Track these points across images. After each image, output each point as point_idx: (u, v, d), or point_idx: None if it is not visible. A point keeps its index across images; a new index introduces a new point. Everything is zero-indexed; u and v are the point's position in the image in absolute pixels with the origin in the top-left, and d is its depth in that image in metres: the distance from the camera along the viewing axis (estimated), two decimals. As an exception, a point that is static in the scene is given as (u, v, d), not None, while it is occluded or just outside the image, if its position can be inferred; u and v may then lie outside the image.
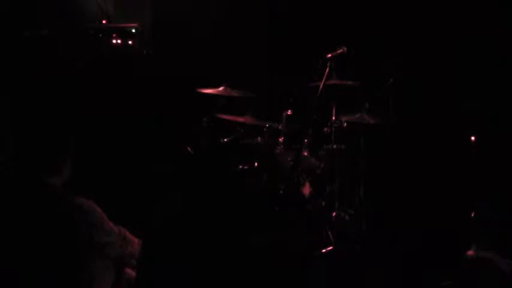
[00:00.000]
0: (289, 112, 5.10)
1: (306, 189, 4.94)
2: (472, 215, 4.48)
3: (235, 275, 4.12)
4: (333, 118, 5.11)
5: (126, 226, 2.97)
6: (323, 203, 5.00)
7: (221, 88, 5.10)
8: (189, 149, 5.29)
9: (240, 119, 5.05)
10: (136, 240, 2.98)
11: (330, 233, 4.69)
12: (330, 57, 4.52)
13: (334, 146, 5.07)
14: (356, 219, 4.99)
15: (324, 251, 4.52)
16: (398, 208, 5.09)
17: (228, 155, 5.23)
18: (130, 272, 2.99)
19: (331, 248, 4.55)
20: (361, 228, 4.96)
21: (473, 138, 4.98)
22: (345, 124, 5.14)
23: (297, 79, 5.23)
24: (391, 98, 5.24)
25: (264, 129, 5.13)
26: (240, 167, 5.04)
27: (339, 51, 4.51)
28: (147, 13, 5.87)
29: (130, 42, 5.53)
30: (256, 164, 5.00)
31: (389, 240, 4.70)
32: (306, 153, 5.08)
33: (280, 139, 5.08)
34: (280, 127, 5.10)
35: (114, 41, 5.50)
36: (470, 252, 3.92)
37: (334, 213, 4.95)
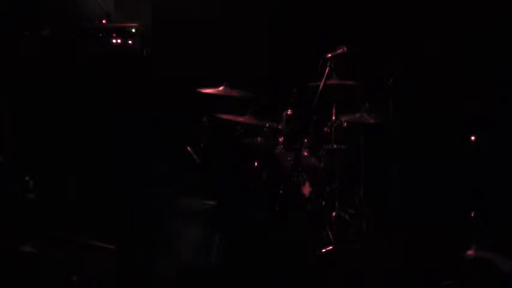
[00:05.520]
0: (289, 112, 5.10)
1: (306, 189, 4.94)
2: (472, 215, 4.48)
3: (236, 274, 4.12)
4: (333, 118, 5.11)
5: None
6: (323, 203, 5.00)
7: (221, 88, 5.10)
8: (189, 149, 5.29)
9: (240, 119, 5.05)
10: None
11: (330, 233, 4.69)
12: (330, 57, 4.52)
13: (334, 146, 5.07)
14: (356, 219, 4.99)
15: (324, 251, 4.52)
16: (398, 208, 5.10)
17: (228, 155, 5.23)
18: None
19: (331, 248, 4.55)
20: (361, 228, 4.96)
21: (473, 138, 4.98)
22: (345, 124, 5.14)
23: (297, 79, 5.22)
24: (391, 98, 5.24)
25: (264, 129, 5.13)
26: (240, 167, 5.05)
27: (339, 51, 4.51)
28: (147, 13, 5.87)
29: (130, 42, 5.53)
30: (256, 164, 5.00)
31: (389, 240, 4.70)
32: (306, 153, 5.08)
33: (280, 139, 5.07)
34: (280, 127, 5.10)
35: (114, 41, 5.51)
36: (470, 252, 3.93)
37: (334, 213, 4.95)
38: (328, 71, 4.46)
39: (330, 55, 4.52)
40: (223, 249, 4.20)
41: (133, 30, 5.54)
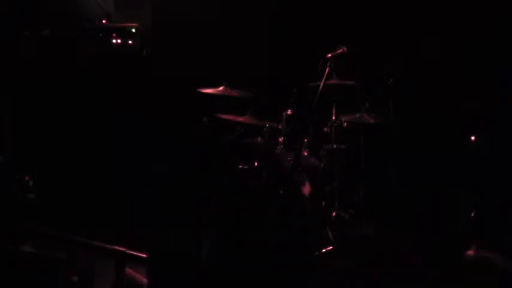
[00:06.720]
0: (289, 112, 5.10)
1: (306, 189, 4.94)
2: (472, 215, 4.49)
3: (235, 274, 4.12)
4: (333, 118, 5.11)
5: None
6: (323, 203, 5.00)
7: (221, 88, 5.10)
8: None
9: (240, 119, 5.04)
10: None
11: (330, 233, 4.69)
12: (330, 57, 4.52)
13: (334, 146, 5.07)
14: (356, 219, 4.99)
15: (324, 251, 4.52)
16: (398, 208, 5.10)
17: (228, 155, 5.23)
18: (131, 272, 2.99)
19: (331, 248, 4.55)
20: (361, 228, 4.96)
21: (473, 138, 4.99)
22: (345, 124, 5.14)
23: (297, 79, 5.23)
24: (391, 98, 5.24)
25: (264, 129, 5.13)
26: (240, 167, 5.04)
27: (339, 51, 4.51)
28: (147, 13, 5.87)
29: (130, 42, 5.53)
30: (256, 164, 5.00)
31: (389, 240, 4.70)
32: (306, 153, 5.08)
33: (280, 139, 5.07)
34: (280, 127, 5.10)
35: (114, 41, 5.51)
36: (470, 252, 3.92)
37: (334, 213, 4.95)
38: (328, 71, 4.46)
39: (330, 55, 4.52)
40: (217, 247, 4.20)
41: (133, 30, 5.54)
